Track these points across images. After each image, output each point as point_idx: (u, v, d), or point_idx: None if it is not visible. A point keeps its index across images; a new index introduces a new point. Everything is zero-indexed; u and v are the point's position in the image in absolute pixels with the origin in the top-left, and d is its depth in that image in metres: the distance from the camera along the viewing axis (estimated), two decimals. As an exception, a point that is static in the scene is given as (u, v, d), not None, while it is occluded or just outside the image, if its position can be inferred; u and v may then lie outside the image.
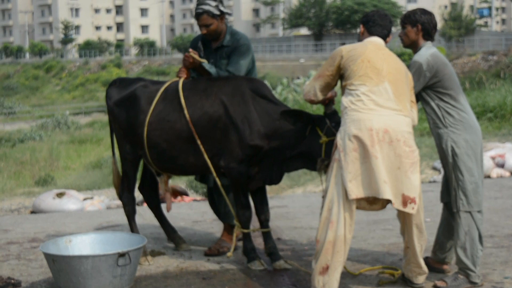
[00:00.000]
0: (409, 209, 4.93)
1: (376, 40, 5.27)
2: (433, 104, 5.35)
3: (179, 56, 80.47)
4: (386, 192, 4.83)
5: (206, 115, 5.95)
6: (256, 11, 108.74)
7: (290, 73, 53.58)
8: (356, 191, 4.84)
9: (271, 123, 5.85)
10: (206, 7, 6.30)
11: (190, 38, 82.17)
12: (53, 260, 5.18)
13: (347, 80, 5.06)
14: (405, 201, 4.89)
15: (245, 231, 6.04)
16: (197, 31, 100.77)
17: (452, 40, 60.68)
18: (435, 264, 5.71)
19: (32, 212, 10.89)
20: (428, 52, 5.33)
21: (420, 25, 5.43)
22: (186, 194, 11.01)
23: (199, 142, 5.92)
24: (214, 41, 6.52)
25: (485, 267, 5.74)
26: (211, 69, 6.32)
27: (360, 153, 4.84)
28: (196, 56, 6.32)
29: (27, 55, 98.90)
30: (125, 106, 6.38)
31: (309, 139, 5.69)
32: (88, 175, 23.98)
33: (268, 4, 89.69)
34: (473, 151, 5.29)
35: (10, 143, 34.62)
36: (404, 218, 5.18)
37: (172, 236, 6.83)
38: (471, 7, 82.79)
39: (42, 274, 5.92)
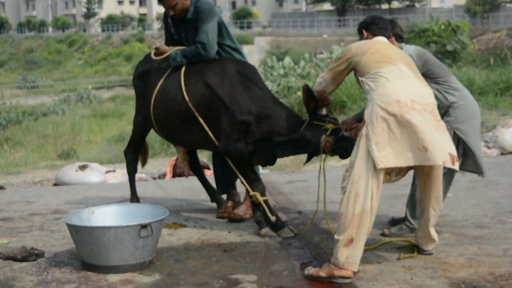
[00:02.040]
0: (457, 167, 5.03)
1: (382, 38, 5.48)
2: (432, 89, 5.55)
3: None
4: (435, 157, 4.85)
5: (198, 95, 6.17)
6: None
7: (313, 49, 53.39)
8: (384, 161, 4.83)
9: (259, 106, 6.04)
10: None
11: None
12: (75, 231, 5.22)
13: (362, 72, 5.17)
14: (453, 159, 4.94)
15: (263, 198, 6.20)
16: (219, 5, 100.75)
17: (476, 16, 60.11)
18: None
19: (55, 184, 10.96)
20: (411, 46, 5.75)
21: (392, 34, 5.82)
22: (208, 168, 11.04)
23: (200, 119, 6.15)
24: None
25: (506, 242, 5.73)
26: (176, 57, 6.43)
27: (387, 125, 4.84)
28: (162, 50, 6.56)
29: (50, 29, 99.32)
30: (142, 80, 6.75)
31: (305, 130, 5.86)
32: (110, 149, 24.10)
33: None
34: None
35: (33, 116, 34.89)
36: (424, 187, 5.25)
37: (214, 197, 7.17)
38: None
39: (65, 245, 5.96)
